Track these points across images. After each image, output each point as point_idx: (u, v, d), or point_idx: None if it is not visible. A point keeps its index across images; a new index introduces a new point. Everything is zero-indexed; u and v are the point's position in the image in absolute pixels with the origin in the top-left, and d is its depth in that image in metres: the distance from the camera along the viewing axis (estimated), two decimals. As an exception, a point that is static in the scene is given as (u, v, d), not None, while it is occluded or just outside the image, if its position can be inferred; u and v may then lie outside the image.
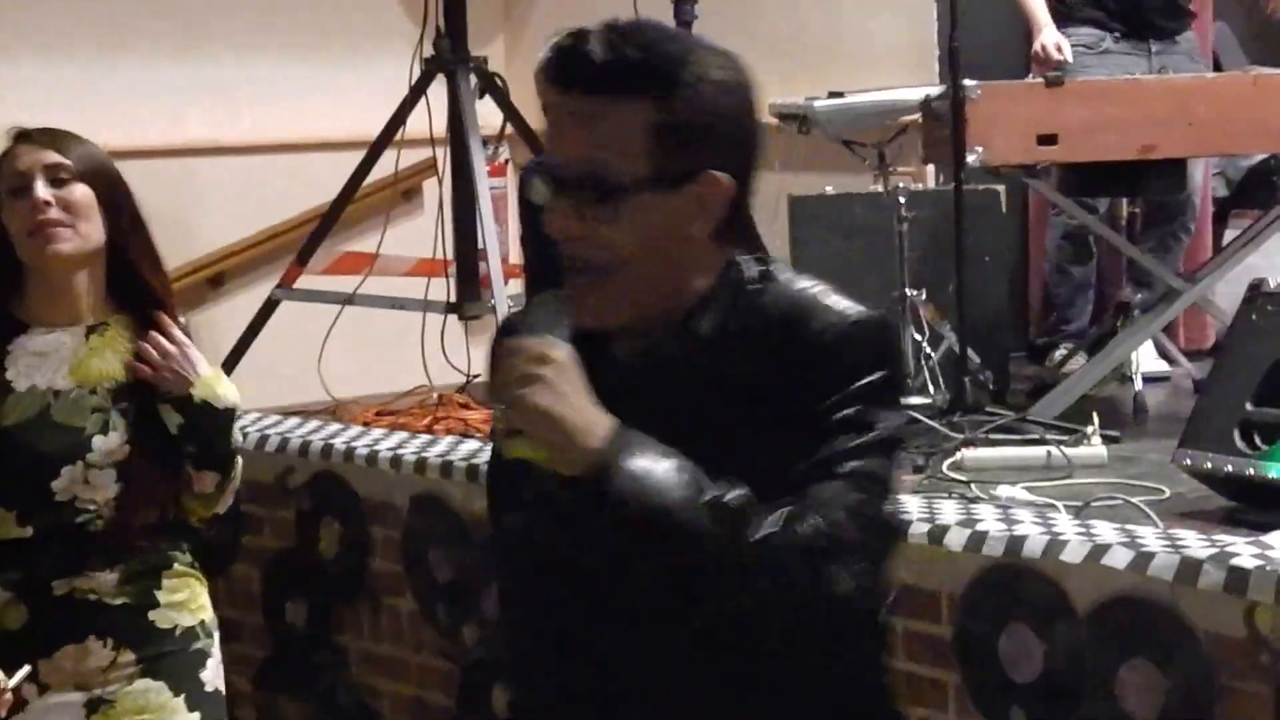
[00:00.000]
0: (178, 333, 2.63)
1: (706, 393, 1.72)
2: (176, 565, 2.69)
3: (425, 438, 4.19)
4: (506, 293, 4.47)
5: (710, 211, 1.70)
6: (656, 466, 1.62)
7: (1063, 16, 4.87)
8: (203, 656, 2.71)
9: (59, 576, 2.60)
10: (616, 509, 1.61)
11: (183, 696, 2.66)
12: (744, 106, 1.72)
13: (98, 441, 2.58)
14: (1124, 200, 4.72)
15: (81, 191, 2.57)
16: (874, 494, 1.70)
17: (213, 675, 2.73)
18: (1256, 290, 3.52)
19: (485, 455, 3.85)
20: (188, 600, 2.70)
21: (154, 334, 2.60)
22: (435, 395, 4.66)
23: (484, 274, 4.60)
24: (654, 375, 1.74)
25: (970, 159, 4.09)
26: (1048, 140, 4.06)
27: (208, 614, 2.75)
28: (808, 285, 1.75)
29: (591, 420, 1.63)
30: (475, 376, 4.80)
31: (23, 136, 2.61)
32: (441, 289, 4.72)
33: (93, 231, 2.59)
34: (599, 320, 1.73)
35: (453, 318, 4.72)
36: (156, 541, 2.66)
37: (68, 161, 2.57)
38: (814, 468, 1.68)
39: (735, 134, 1.72)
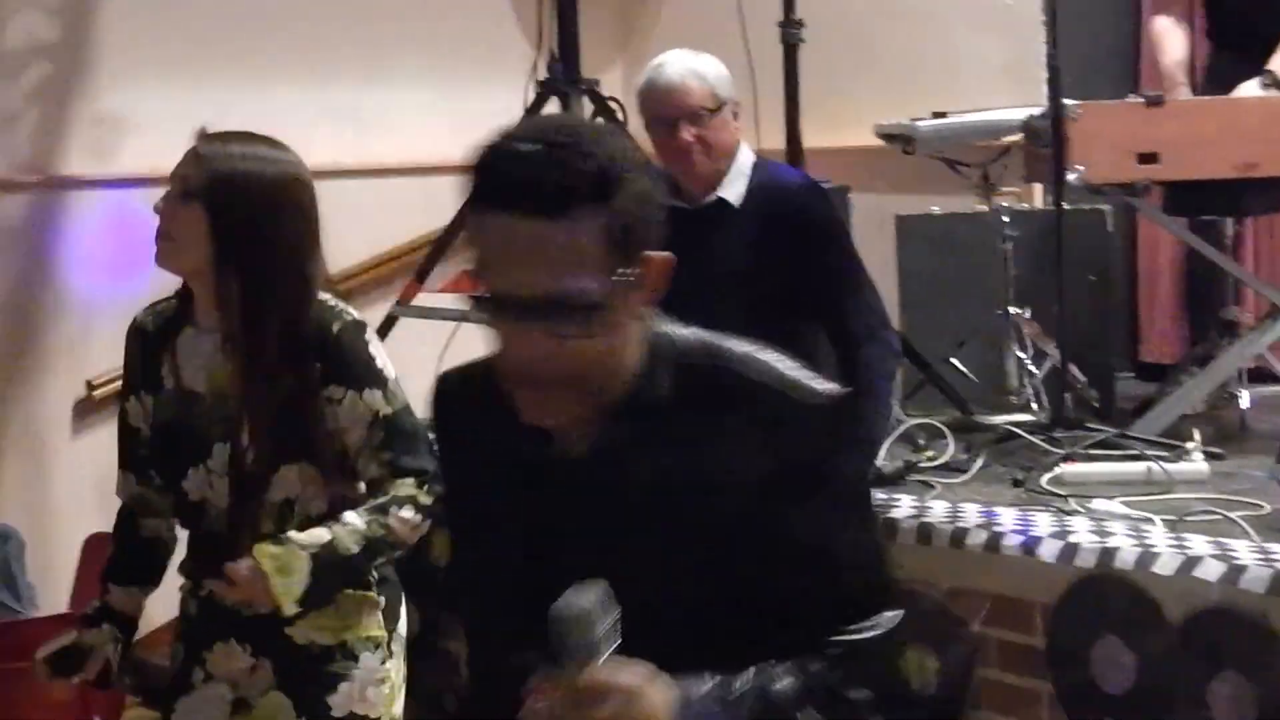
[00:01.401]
0: (243, 570, 2.53)
1: (665, 466, 1.69)
2: None
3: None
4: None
5: (656, 290, 1.67)
6: None
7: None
8: (336, 680, 2.64)
9: (206, 576, 2.63)
10: None
11: (304, 717, 2.63)
12: (652, 185, 1.67)
13: (218, 448, 2.58)
14: (1229, 219, 4.70)
15: (189, 212, 2.53)
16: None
17: (344, 700, 2.64)
18: None
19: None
20: (326, 620, 2.62)
21: (229, 566, 2.54)
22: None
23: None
24: (609, 462, 1.70)
25: (1071, 177, 4.08)
26: (1148, 159, 4.05)
27: (358, 636, 2.66)
28: (758, 359, 1.73)
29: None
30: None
31: (200, 134, 2.60)
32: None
33: (192, 254, 2.54)
34: (553, 420, 1.69)
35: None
36: None
37: (194, 178, 2.53)
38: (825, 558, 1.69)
39: (652, 210, 1.67)
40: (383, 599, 2.73)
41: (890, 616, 1.73)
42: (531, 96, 4.78)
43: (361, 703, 2.66)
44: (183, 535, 2.79)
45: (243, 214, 2.53)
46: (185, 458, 2.61)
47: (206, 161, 2.54)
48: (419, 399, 4.84)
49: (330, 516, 2.60)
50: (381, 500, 2.60)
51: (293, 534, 2.56)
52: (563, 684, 1.56)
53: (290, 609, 2.53)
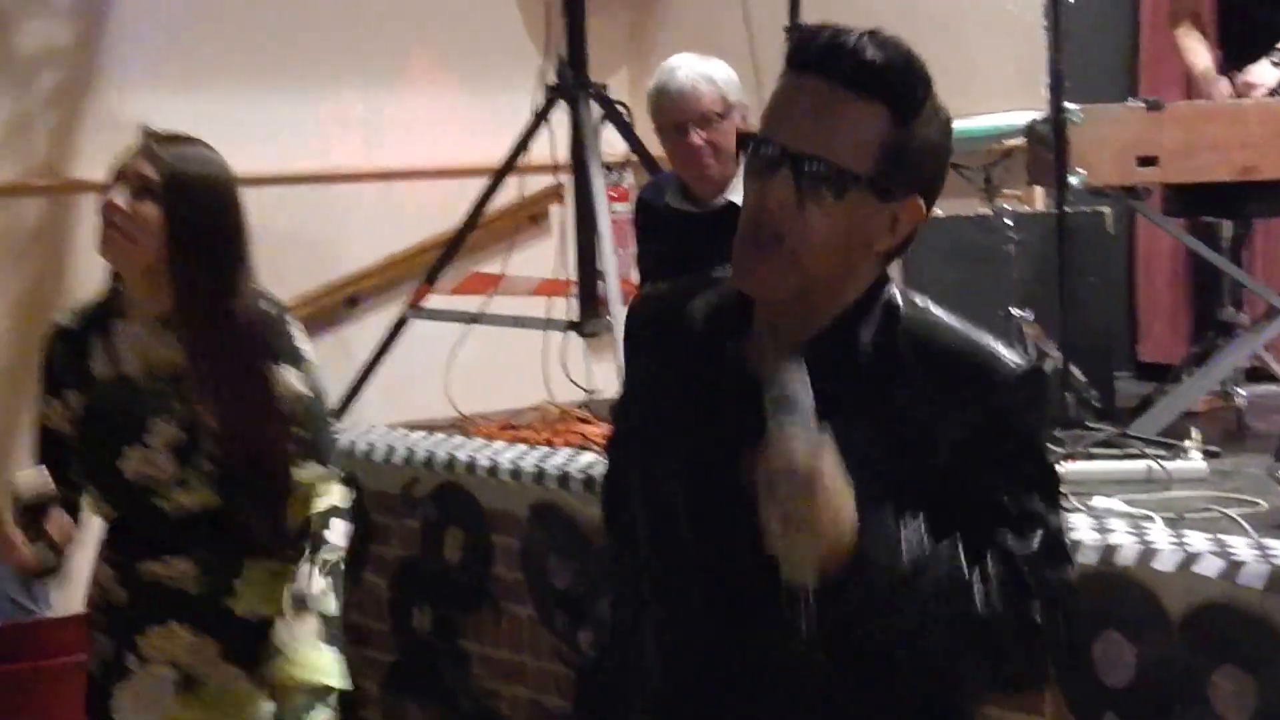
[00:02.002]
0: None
1: (862, 397, 1.77)
2: (257, 557, 2.77)
3: (544, 450, 4.30)
4: (624, 312, 4.61)
5: (899, 232, 1.78)
6: (891, 546, 1.68)
7: None
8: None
9: (142, 561, 2.75)
10: (859, 591, 1.67)
11: (262, 687, 2.75)
12: (949, 151, 1.82)
13: (154, 424, 2.70)
14: (1227, 221, 4.75)
15: (149, 209, 2.67)
16: (1062, 560, 1.79)
17: None
18: None
19: (601, 467, 3.97)
20: (270, 593, 2.77)
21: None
22: (556, 410, 4.80)
23: (603, 293, 4.75)
24: (812, 364, 1.75)
25: (1073, 181, 4.13)
26: (1148, 162, 4.10)
27: None
28: (967, 328, 1.81)
29: (844, 530, 1.65)
30: (593, 392, 4.95)
31: (146, 136, 2.74)
32: (564, 309, 4.88)
33: (147, 248, 2.67)
34: (760, 290, 1.78)
35: (574, 335, 4.89)
36: (230, 529, 2.74)
37: (154, 176, 2.67)
38: (1000, 518, 1.75)
39: (939, 172, 1.81)
40: None
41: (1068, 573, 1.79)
42: (541, 101, 4.84)
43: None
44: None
45: (197, 210, 2.70)
46: (119, 438, 2.72)
47: (162, 162, 2.68)
48: (431, 398, 4.91)
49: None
50: (315, 537, 2.79)
51: (295, 643, 2.72)
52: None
53: (342, 682, 2.74)
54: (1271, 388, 4.69)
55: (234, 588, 2.77)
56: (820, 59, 1.74)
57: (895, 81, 1.74)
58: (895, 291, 1.83)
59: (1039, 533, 1.77)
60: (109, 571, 2.82)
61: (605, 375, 4.96)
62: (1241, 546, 3.10)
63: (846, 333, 1.80)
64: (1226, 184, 4.20)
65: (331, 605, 2.77)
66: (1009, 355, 1.80)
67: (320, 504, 2.81)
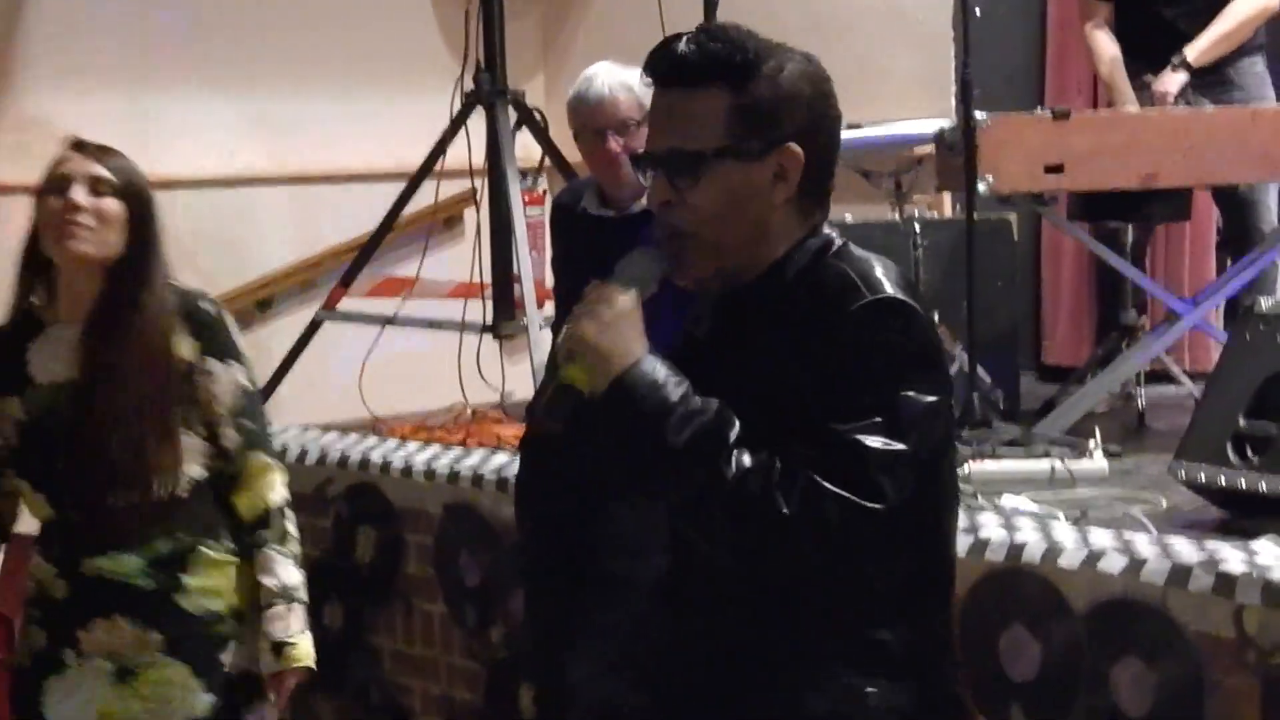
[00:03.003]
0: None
1: (768, 340, 1.92)
2: (208, 552, 2.82)
3: (458, 450, 4.32)
4: (539, 314, 4.66)
5: (789, 180, 1.93)
6: (663, 381, 1.86)
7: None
8: (225, 641, 2.83)
9: (86, 556, 2.78)
10: (616, 407, 1.85)
11: (202, 679, 2.80)
12: (819, 94, 1.96)
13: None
14: (1128, 225, 4.86)
15: (113, 204, 2.76)
16: (853, 467, 1.82)
17: (234, 658, 2.83)
18: (1248, 310, 3.60)
19: (514, 468, 4.01)
20: (218, 586, 2.82)
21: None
22: (470, 411, 4.82)
23: (518, 297, 4.78)
24: (733, 321, 1.97)
25: (981, 187, 4.19)
26: (1054, 169, 4.17)
27: (241, 601, 2.85)
28: (867, 265, 1.91)
29: (628, 350, 1.88)
30: (508, 394, 4.97)
31: (77, 146, 2.81)
32: (478, 311, 4.91)
33: (114, 242, 2.76)
34: (688, 276, 1.97)
35: (488, 338, 4.91)
36: (181, 527, 2.79)
37: (110, 177, 2.76)
38: (813, 430, 1.83)
39: (811, 116, 1.94)
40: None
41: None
42: (458, 107, 4.86)
43: (253, 662, 2.86)
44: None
45: (150, 206, 2.81)
46: (60, 445, 2.76)
47: (111, 163, 2.78)
48: (345, 400, 4.90)
49: (210, 483, 2.83)
50: (279, 529, 2.87)
51: (281, 632, 2.83)
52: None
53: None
54: (1170, 389, 4.80)
55: (181, 582, 2.80)
56: (654, 70, 1.96)
57: (715, 62, 1.91)
58: (828, 240, 1.95)
59: (847, 460, 1.81)
60: (47, 567, 2.83)
61: (519, 377, 4.99)
62: (1143, 543, 3.17)
63: (771, 282, 1.94)
64: (1129, 190, 4.28)
65: (305, 596, 2.87)
66: (877, 286, 1.87)
67: (274, 496, 2.87)
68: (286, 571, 2.85)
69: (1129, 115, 4.49)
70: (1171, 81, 4.69)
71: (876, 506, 1.81)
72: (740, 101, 1.91)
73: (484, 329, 4.86)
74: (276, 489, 2.88)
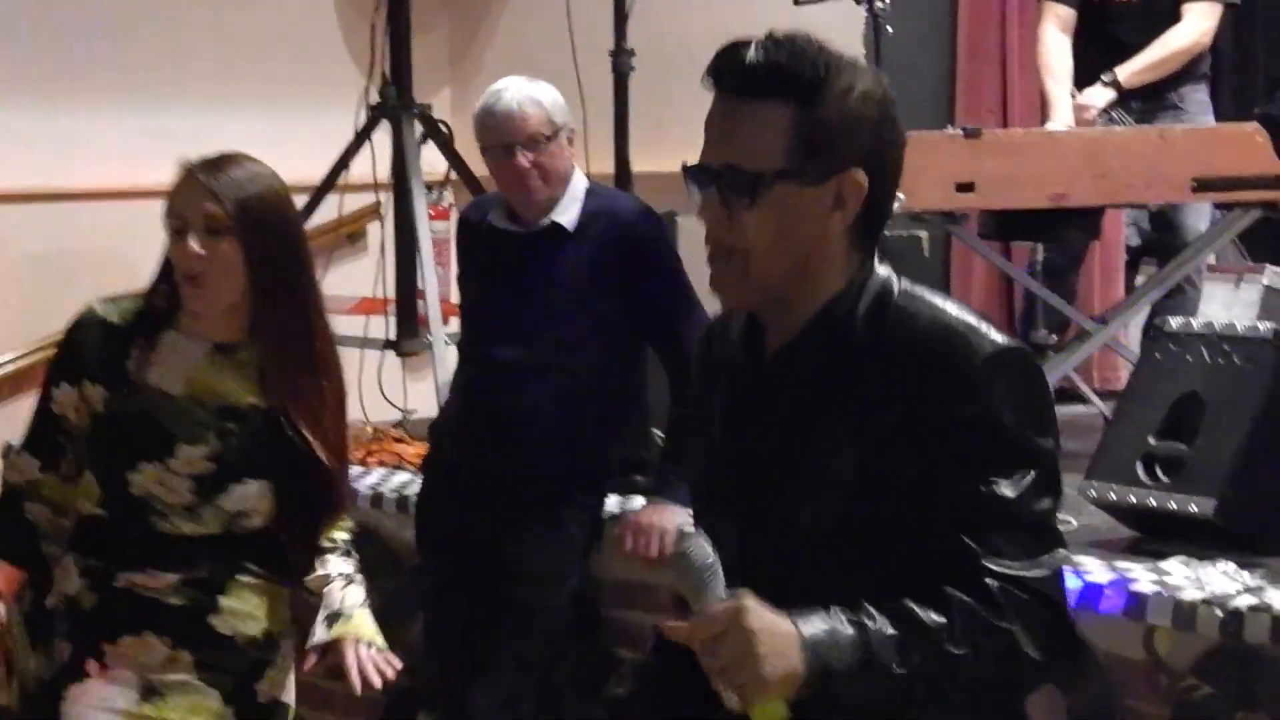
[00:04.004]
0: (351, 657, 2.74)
1: (858, 407, 1.82)
2: (244, 576, 2.70)
3: (358, 469, 4.24)
4: (444, 331, 4.60)
5: (848, 209, 1.83)
6: (832, 637, 1.72)
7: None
8: (261, 667, 2.73)
9: (123, 570, 2.65)
10: (833, 691, 1.72)
11: (232, 706, 2.70)
12: (886, 117, 1.86)
13: (182, 449, 2.62)
14: (1039, 245, 4.87)
15: (228, 247, 2.58)
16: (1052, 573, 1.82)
17: (268, 687, 2.74)
18: (1159, 330, 3.63)
19: (415, 487, 3.95)
20: (252, 610, 2.71)
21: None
22: (370, 429, 4.75)
23: (423, 313, 4.72)
24: (785, 371, 1.87)
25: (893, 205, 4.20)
26: (965, 188, 4.17)
27: (275, 626, 2.75)
28: (951, 311, 1.84)
29: (788, 647, 1.70)
30: (410, 412, 4.90)
31: (189, 170, 2.64)
32: (381, 327, 4.84)
33: (231, 286, 2.60)
34: (735, 300, 1.89)
35: (390, 355, 4.85)
36: (224, 553, 2.68)
37: (222, 214, 2.58)
38: (975, 516, 1.77)
39: (877, 142, 1.85)
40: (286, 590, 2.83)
41: (1055, 557, 1.83)
42: (363, 120, 4.80)
43: (285, 690, 2.78)
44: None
45: (269, 233, 2.62)
46: (139, 452, 2.63)
47: (225, 193, 2.59)
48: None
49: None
50: (350, 556, 2.85)
51: (336, 603, 2.77)
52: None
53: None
54: (1080, 408, 4.82)
55: (219, 605, 2.68)
56: (717, 76, 1.84)
57: (783, 76, 1.81)
58: (888, 280, 1.87)
59: (1010, 529, 1.78)
60: (78, 579, 2.69)
61: (422, 395, 4.92)
62: (1054, 564, 3.16)
63: (831, 325, 1.85)
64: (1040, 209, 4.30)
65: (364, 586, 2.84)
66: (984, 336, 1.82)
67: (340, 535, 2.83)
68: (346, 564, 2.81)
69: (1040, 134, 4.50)
70: (1098, 96, 4.74)
71: (1057, 560, 1.84)
72: (806, 120, 1.80)
73: (386, 345, 4.80)
74: (346, 529, 2.86)
